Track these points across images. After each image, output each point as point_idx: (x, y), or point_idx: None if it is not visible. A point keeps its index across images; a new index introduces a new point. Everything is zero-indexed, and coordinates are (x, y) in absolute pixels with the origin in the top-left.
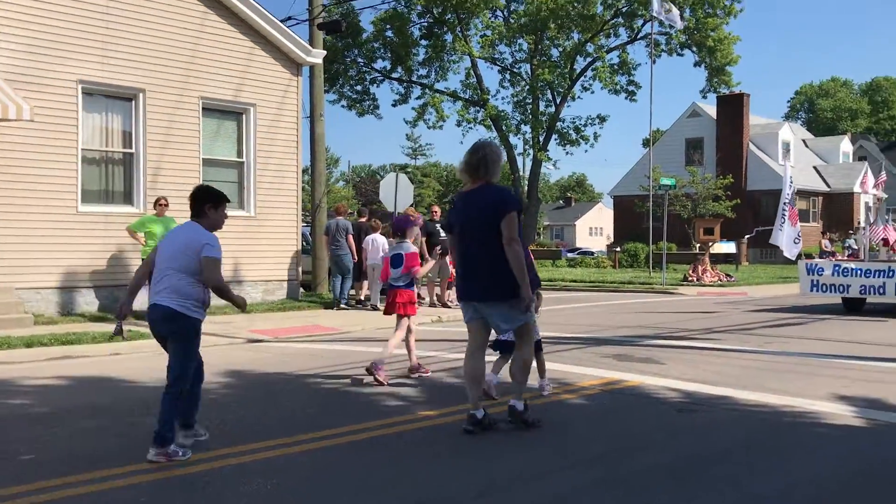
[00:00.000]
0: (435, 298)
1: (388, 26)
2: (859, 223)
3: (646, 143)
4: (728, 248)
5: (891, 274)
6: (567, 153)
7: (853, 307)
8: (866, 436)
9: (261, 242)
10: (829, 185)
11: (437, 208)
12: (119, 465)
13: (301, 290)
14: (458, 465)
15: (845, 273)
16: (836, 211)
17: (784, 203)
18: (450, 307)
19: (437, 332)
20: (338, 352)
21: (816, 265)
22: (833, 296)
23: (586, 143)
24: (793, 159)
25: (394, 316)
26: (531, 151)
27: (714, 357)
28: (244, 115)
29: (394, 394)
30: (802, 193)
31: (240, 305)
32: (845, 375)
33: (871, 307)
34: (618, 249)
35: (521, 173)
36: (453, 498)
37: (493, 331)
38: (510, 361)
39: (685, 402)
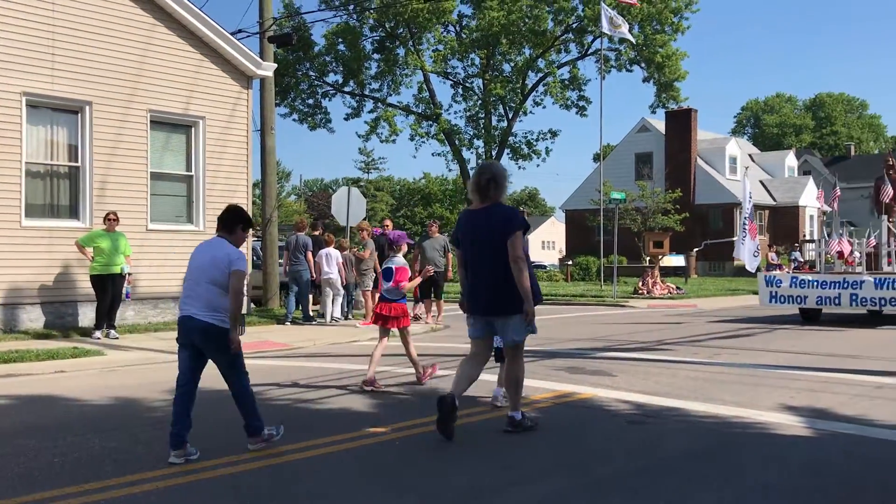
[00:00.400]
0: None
1: (339, 40)
2: (804, 236)
3: (596, 158)
4: (677, 260)
5: (846, 285)
6: (519, 167)
7: (810, 317)
8: (813, 445)
9: None
10: (775, 199)
11: (389, 222)
12: (55, 487)
13: (251, 305)
14: (401, 485)
15: (802, 285)
16: (782, 224)
17: (745, 217)
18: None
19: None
20: (288, 368)
21: (775, 277)
22: (791, 306)
23: (538, 158)
24: (739, 174)
25: (376, 327)
26: None
27: (665, 369)
28: (193, 129)
29: (345, 410)
30: None
31: (240, 323)
32: (791, 386)
33: (826, 317)
34: (570, 263)
35: None
36: None
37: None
38: (503, 377)
39: (636, 413)
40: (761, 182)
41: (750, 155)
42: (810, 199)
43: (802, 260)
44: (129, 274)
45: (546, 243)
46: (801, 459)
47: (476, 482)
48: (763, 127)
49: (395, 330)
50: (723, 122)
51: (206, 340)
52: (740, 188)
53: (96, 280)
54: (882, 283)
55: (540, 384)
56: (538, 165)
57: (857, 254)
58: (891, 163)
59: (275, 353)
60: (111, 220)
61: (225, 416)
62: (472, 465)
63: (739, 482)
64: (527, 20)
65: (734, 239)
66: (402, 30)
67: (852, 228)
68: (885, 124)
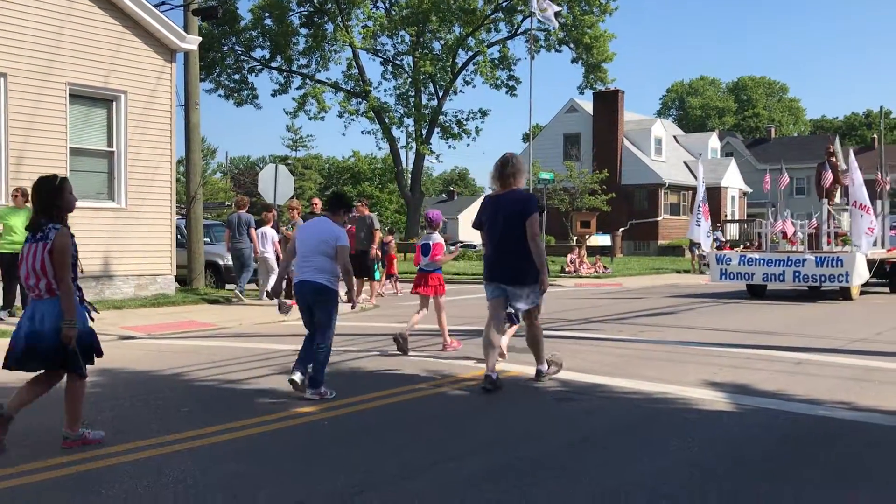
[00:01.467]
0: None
1: (266, 14)
2: (726, 216)
3: (526, 138)
4: (604, 240)
5: (789, 263)
6: (450, 147)
7: (756, 293)
8: (735, 420)
9: (132, 235)
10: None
11: (317, 200)
12: None
13: (176, 284)
14: (329, 466)
15: (750, 262)
16: None
17: (699, 201)
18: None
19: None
20: (214, 348)
21: (725, 255)
22: (739, 283)
23: (468, 137)
24: (664, 155)
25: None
26: (414, 144)
27: (591, 346)
28: (114, 103)
29: (273, 391)
30: (674, 188)
31: (351, 288)
32: (714, 362)
33: (771, 293)
34: None
35: (403, 167)
36: (332, 495)
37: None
38: (526, 338)
39: (564, 390)
40: (685, 163)
41: (675, 136)
42: (732, 180)
43: (724, 240)
44: None
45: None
46: (722, 434)
47: (403, 461)
48: (687, 109)
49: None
50: (649, 103)
51: (315, 296)
52: (665, 169)
53: (4, 258)
54: (822, 261)
55: (468, 363)
56: (468, 145)
57: (799, 234)
58: (831, 150)
59: (200, 332)
60: (16, 196)
61: (162, 399)
62: (399, 444)
63: (664, 457)
64: None
65: (658, 219)
66: (330, 5)
67: (773, 209)
68: (805, 108)
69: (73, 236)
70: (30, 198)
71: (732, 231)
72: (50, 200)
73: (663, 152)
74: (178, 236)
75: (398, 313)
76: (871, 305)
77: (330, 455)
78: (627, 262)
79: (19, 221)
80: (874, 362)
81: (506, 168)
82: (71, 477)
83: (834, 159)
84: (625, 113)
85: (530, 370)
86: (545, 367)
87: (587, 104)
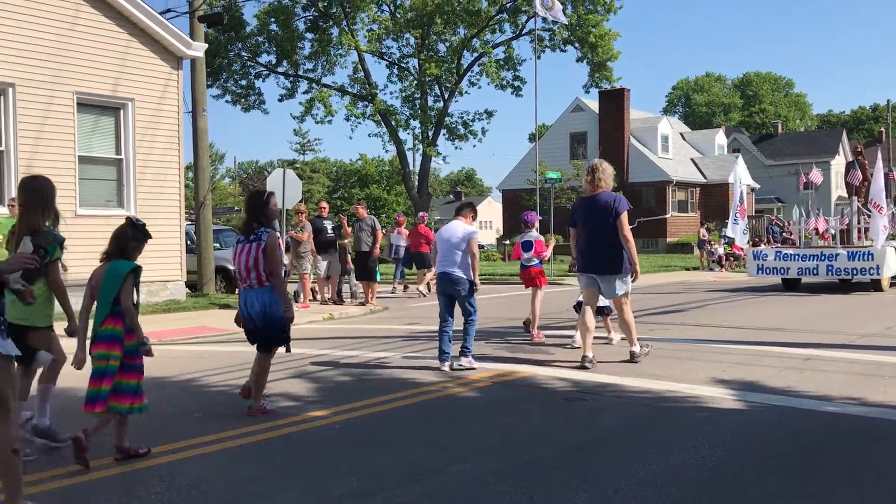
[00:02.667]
0: (326, 295)
1: (272, 19)
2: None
3: (532, 138)
4: None
5: (822, 258)
6: (456, 148)
7: (791, 286)
8: (744, 417)
9: None
10: (705, 177)
11: (325, 204)
12: None
13: (186, 290)
14: (340, 469)
15: (786, 258)
16: (712, 201)
17: (736, 200)
18: (342, 304)
19: (329, 329)
20: (226, 353)
21: (762, 252)
22: (775, 277)
23: (474, 138)
24: (671, 152)
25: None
26: (420, 146)
27: (600, 345)
28: (122, 111)
29: (286, 394)
30: (681, 185)
31: (475, 270)
32: (723, 360)
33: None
34: (507, 242)
35: (410, 168)
36: (344, 499)
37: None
38: (618, 323)
39: (574, 390)
40: (692, 160)
41: (681, 133)
42: (740, 176)
43: (733, 236)
44: None
45: (483, 223)
46: (732, 431)
47: (415, 463)
48: (693, 106)
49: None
50: (655, 101)
51: (455, 286)
52: (672, 166)
53: None
54: (854, 256)
55: (480, 364)
56: (474, 146)
57: (831, 230)
58: (860, 150)
59: (213, 338)
60: (13, 206)
61: (172, 405)
62: (410, 447)
63: (674, 456)
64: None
65: (667, 216)
66: (335, 9)
67: (780, 205)
68: (811, 102)
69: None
70: (242, 207)
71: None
72: (259, 210)
73: (670, 149)
74: (188, 242)
75: (407, 315)
76: (882, 300)
77: (342, 458)
78: None
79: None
80: (884, 357)
81: (595, 173)
82: (85, 485)
83: (862, 158)
84: (631, 111)
85: (539, 371)
86: (637, 348)
87: (593, 103)
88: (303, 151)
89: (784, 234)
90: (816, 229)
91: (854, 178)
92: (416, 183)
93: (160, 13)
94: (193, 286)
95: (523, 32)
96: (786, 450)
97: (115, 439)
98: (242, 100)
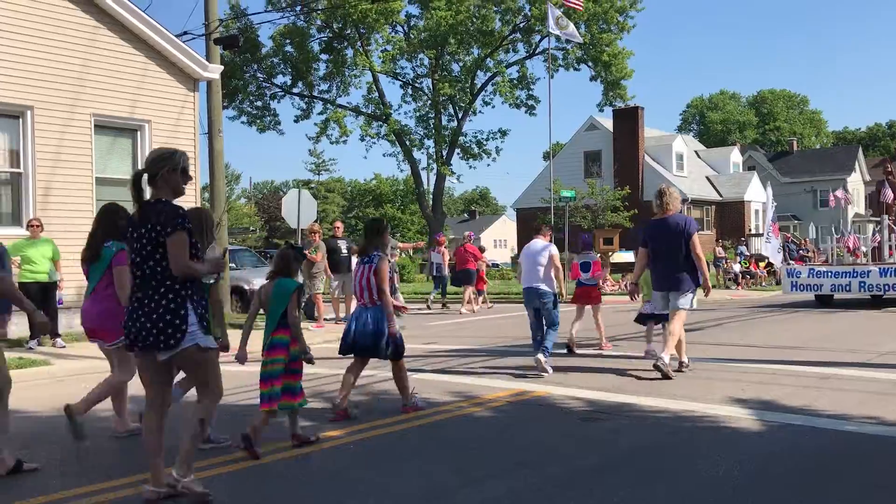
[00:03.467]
0: (341, 315)
1: (287, 41)
2: (750, 230)
3: (546, 157)
4: (627, 256)
5: (855, 275)
6: (470, 167)
7: (825, 302)
8: (762, 437)
9: None
10: (721, 195)
11: (339, 224)
12: None
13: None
14: (359, 490)
15: (819, 275)
16: (728, 219)
17: (769, 220)
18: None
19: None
20: (240, 373)
21: (795, 269)
22: (808, 294)
23: (488, 157)
24: (686, 170)
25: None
26: (435, 166)
27: (615, 364)
28: (139, 132)
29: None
30: (696, 203)
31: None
32: (741, 378)
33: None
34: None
35: (425, 187)
36: None
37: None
38: (665, 331)
39: (589, 410)
40: (707, 178)
41: (696, 151)
42: (755, 193)
43: (748, 253)
44: (60, 280)
45: (498, 242)
46: (749, 451)
47: (429, 485)
48: (708, 124)
49: None
50: (669, 119)
51: (541, 299)
52: (687, 184)
53: (24, 289)
54: (885, 272)
55: (494, 383)
56: (489, 165)
57: (863, 247)
58: (889, 169)
59: (226, 357)
60: (34, 226)
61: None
62: (424, 467)
63: (692, 477)
64: (474, 20)
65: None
66: (350, 30)
67: (796, 222)
68: (826, 119)
69: (390, 261)
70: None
71: (756, 245)
72: (377, 236)
73: (685, 167)
74: None
75: (426, 333)
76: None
77: (354, 479)
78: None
79: (38, 253)
80: None
81: (662, 198)
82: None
83: (892, 178)
84: (645, 129)
85: (554, 390)
86: (665, 359)
87: (607, 121)
88: (318, 171)
89: (801, 251)
90: (849, 247)
91: (886, 197)
92: (431, 202)
93: (177, 36)
94: None
95: (537, 52)
96: (804, 469)
97: (290, 430)
98: (258, 121)
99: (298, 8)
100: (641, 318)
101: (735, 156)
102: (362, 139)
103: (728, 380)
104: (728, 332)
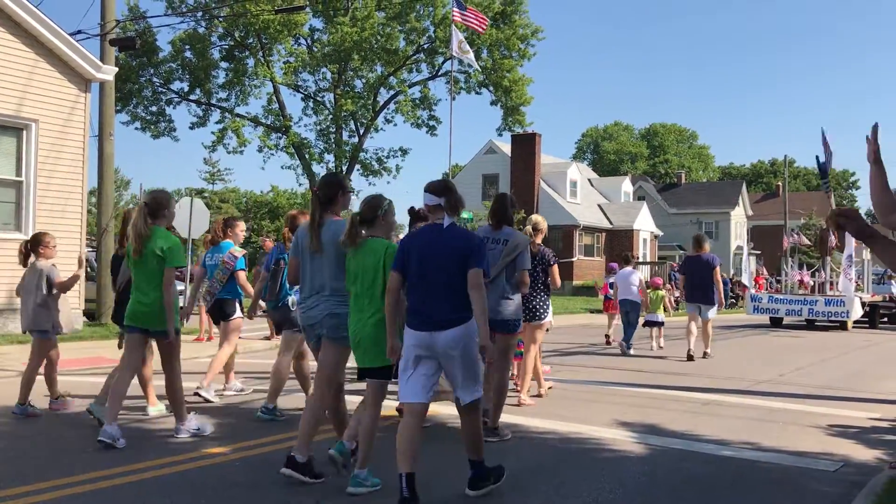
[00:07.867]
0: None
1: (187, 47)
2: (637, 258)
3: (446, 177)
4: None
5: (805, 303)
6: (370, 184)
7: (777, 323)
8: (644, 460)
9: None
10: (611, 223)
11: (269, 242)
12: None
13: (84, 319)
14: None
15: (777, 301)
16: (617, 246)
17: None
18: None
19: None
20: None
21: (757, 295)
22: (765, 316)
23: (389, 175)
24: (579, 197)
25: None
26: None
27: (512, 393)
28: (25, 131)
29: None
30: (588, 230)
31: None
32: (627, 402)
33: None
34: None
35: None
36: None
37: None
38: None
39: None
40: (599, 206)
41: (589, 180)
42: (644, 223)
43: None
44: None
45: None
46: (632, 474)
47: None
48: (602, 153)
49: None
50: (565, 147)
51: (633, 305)
52: (580, 211)
53: None
54: (829, 302)
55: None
56: (389, 182)
57: (810, 281)
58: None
59: (109, 369)
60: None
61: (66, 439)
62: (326, 484)
63: (576, 498)
64: (379, 37)
65: (573, 259)
66: (252, 40)
67: (681, 252)
68: (713, 154)
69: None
70: None
71: (644, 272)
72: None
73: (578, 195)
74: (88, 269)
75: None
76: (778, 345)
77: (254, 497)
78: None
79: None
80: (777, 403)
81: (701, 241)
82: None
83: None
84: (542, 155)
85: (442, 409)
86: (709, 350)
87: (506, 146)
88: (212, 181)
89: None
90: (801, 281)
91: (831, 242)
92: None
93: (71, 34)
94: (92, 315)
95: (440, 73)
96: (684, 492)
97: None
98: (152, 126)
99: (200, 14)
100: (647, 324)
101: (626, 185)
102: (260, 150)
103: (615, 403)
104: (616, 356)
